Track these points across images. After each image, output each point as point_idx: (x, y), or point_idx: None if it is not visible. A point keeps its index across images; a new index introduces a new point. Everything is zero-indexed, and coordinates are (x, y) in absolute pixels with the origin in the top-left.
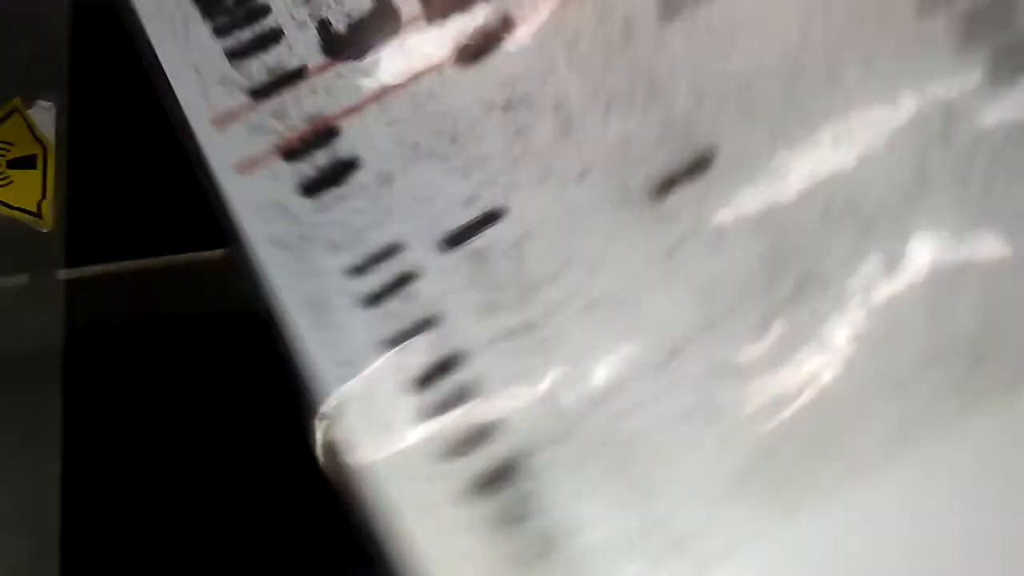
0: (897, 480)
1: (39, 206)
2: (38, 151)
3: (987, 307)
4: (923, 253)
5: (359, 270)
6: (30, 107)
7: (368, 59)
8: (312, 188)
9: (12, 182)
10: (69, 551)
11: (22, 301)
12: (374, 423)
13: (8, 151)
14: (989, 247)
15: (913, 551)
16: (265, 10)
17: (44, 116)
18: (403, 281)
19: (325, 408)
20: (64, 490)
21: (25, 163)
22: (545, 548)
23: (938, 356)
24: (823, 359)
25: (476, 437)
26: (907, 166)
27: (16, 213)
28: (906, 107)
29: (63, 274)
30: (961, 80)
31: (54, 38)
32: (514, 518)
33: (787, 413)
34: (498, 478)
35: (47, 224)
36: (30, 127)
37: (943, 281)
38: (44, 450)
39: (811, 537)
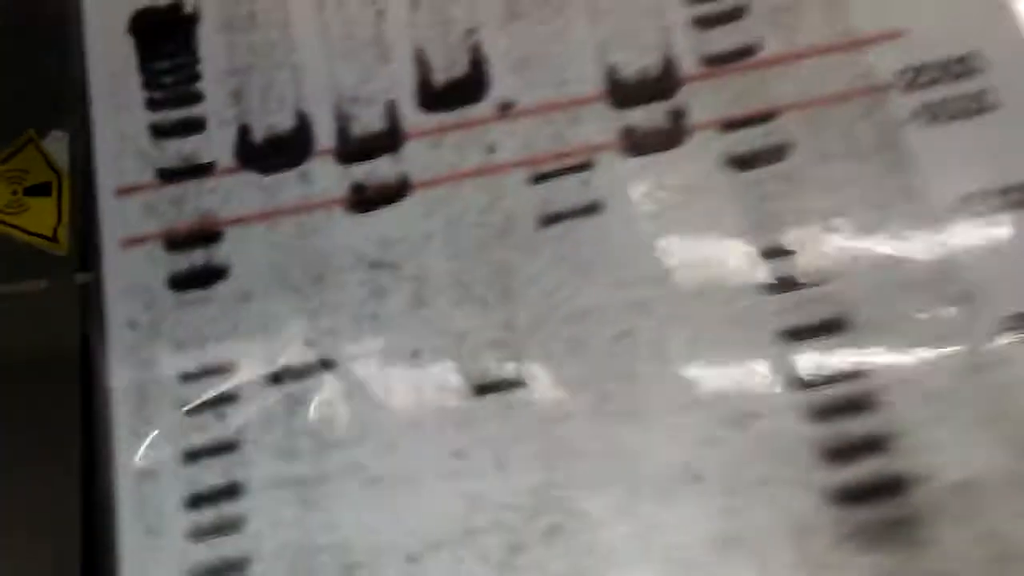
0: None
1: (55, 231)
2: (52, 179)
3: None
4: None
5: (190, 377)
6: (44, 137)
7: (272, 176)
8: (180, 283)
9: (29, 209)
10: (90, 553)
11: (42, 305)
12: (144, 523)
13: (24, 179)
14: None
15: None
16: (197, 97)
17: (58, 145)
18: (223, 401)
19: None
20: (84, 491)
21: (40, 190)
22: None
23: None
24: None
25: (226, 570)
26: (684, 448)
27: (33, 239)
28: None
29: (80, 278)
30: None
31: (66, 71)
32: None
33: None
34: None
35: (63, 249)
36: (45, 156)
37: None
38: (64, 451)
39: None
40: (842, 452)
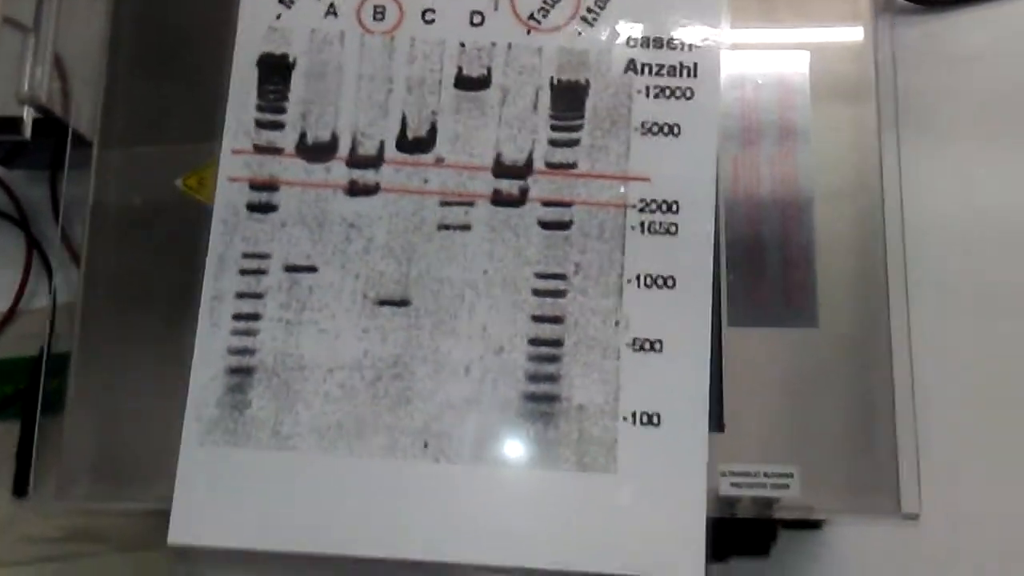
0: None
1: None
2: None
3: None
4: None
5: (247, 255)
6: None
7: (311, 164)
8: (252, 208)
9: (205, 188)
10: None
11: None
12: (210, 320)
13: (204, 173)
14: None
15: None
16: (282, 111)
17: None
18: (259, 272)
19: None
20: None
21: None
22: None
23: None
24: None
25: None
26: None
27: (206, 199)
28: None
29: None
30: None
31: (218, 84)
32: None
33: None
34: None
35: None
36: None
37: None
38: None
39: None
40: None
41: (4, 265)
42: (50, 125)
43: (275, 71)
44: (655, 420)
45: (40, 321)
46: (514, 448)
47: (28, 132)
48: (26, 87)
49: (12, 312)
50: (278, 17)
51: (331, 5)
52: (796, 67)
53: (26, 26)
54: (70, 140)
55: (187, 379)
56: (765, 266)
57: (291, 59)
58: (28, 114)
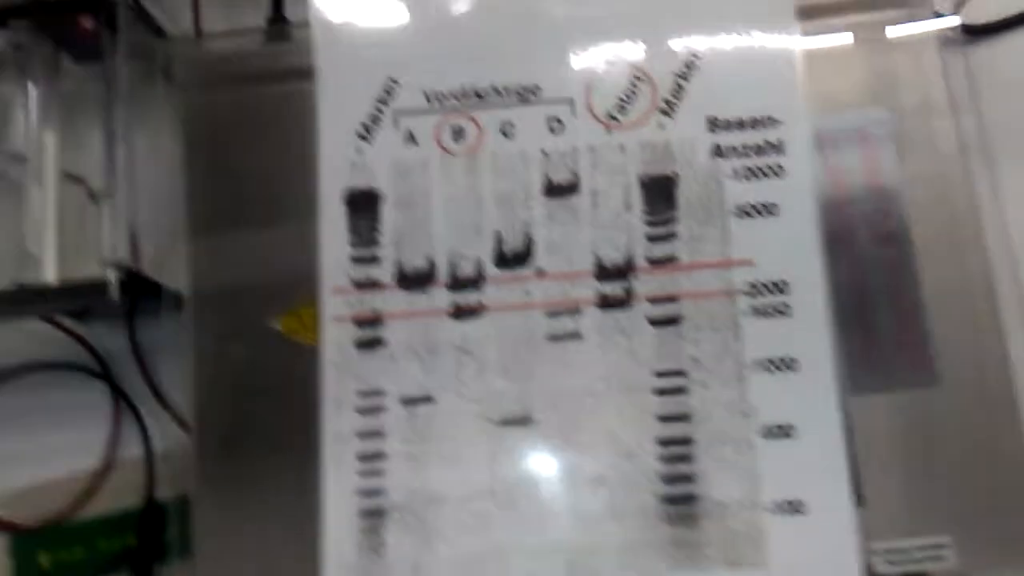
0: None
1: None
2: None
3: None
4: None
5: (362, 393)
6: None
7: (412, 293)
8: (361, 345)
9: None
10: None
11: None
12: (335, 460)
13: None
14: None
15: None
16: (376, 243)
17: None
18: (377, 409)
19: None
20: None
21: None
22: None
23: None
24: None
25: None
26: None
27: (310, 342)
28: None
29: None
30: None
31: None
32: None
33: None
34: None
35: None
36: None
37: None
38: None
39: None
40: None
41: (86, 419)
42: (129, 280)
43: (363, 205)
44: (799, 508)
45: (134, 473)
46: (659, 554)
47: (116, 295)
48: (108, 252)
49: (109, 466)
50: (359, 151)
51: (410, 132)
52: (877, 123)
53: (84, 179)
54: (164, 299)
55: (315, 521)
56: (875, 330)
57: (378, 191)
58: (114, 277)
